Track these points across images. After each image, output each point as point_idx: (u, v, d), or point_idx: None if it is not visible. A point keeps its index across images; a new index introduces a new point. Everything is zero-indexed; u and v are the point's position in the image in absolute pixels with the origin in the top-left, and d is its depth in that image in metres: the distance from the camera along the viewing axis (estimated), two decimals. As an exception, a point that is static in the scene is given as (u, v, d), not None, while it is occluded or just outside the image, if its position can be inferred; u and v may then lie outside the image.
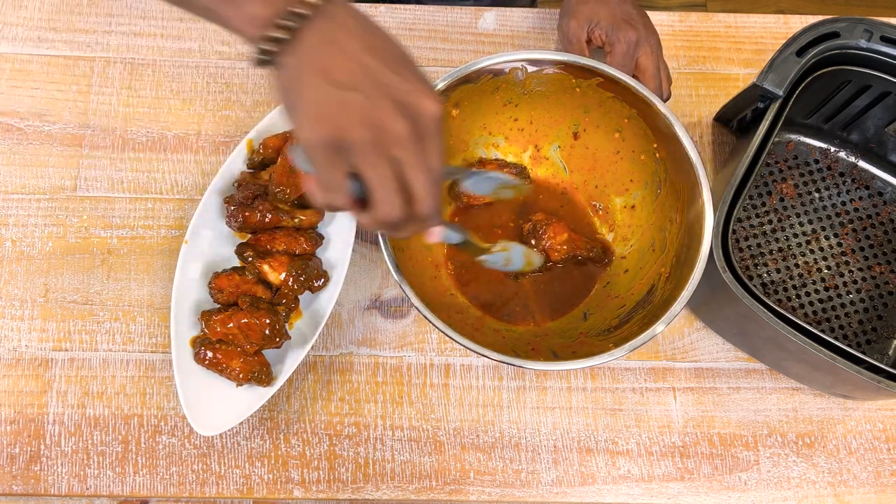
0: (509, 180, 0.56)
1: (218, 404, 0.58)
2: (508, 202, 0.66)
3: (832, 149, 0.71)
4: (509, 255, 0.56)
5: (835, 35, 0.61)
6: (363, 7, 0.76)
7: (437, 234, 0.46)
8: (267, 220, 0.60)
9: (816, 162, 0.71)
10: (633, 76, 0.64)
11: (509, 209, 0.66)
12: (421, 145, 0.40)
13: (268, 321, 0.58)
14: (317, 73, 0.39)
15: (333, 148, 0.39)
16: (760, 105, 0.62)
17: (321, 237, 0.62)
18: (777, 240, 0.68)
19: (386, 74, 0.39)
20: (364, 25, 0.41)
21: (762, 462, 0.62)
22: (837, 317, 0.66)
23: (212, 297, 0.60)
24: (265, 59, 0.40)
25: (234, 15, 0.41)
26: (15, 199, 0.67)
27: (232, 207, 0.60)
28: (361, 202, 0.42)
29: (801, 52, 0.61)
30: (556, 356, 0.58)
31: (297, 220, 0.61)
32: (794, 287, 0.67)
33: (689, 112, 0.73)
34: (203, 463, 0.60)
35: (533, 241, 0.63)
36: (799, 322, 0.55)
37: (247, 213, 0.60)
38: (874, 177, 0.71)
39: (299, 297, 0.61)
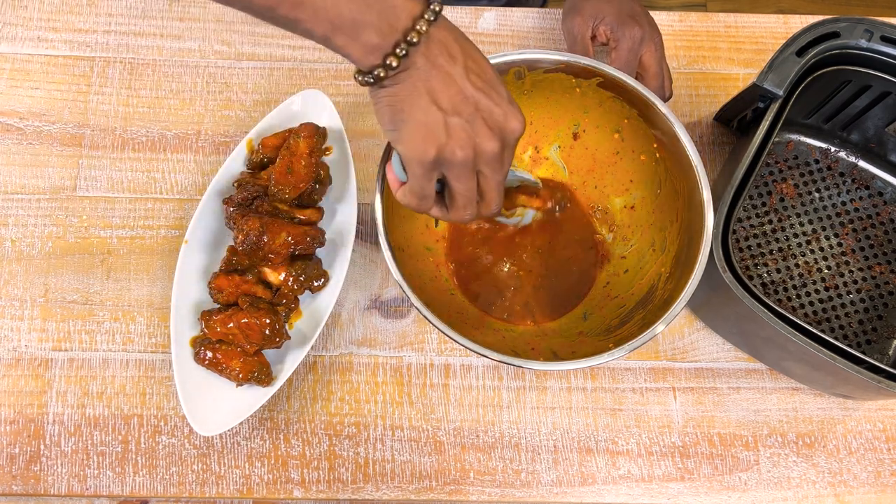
0: (522, 175, 0.61)
1: (218, 404, 0.58)
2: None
3: (832, 149, 0.71)
4: (521, 220, 0.65)
5: (835, 35, 0.61)
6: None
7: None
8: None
9: (816, 162, 0.71)
10: (637, 74, 0.64)
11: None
12: (502, 159, 0.46)
13: (268, 321, 0.58)
14: (424, 97, 0.43)
15: (434, 164, 0.45)
16: (760, 105, 0.62)
17: (322, 232, 0.61)
18: (777, 240, 0.68)
19: (482, 99, 0.44)
20: (463, 49, 0.44)
21: (762, 462, 0.62)
22: (837, 317, 0.66)
23: (212, 297, 0.60)
24: (372, 82, 0.44)
25: (349, 45, 0.43)
26: (15, 199, 0.67)
27: (231, 209, 0.60)
28: (438, 197, 0.49)
29: (801, 52, 0.61)
30: (556, 356, 0.58)
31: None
32: (794, 287, 0.67)
33: (689, 112, 0.73)
34: (203, 463, 0.60)
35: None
36: (799, 322, 0.55)
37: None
38: (874, 177, 0.71)
39: (299, 297, 0.61)
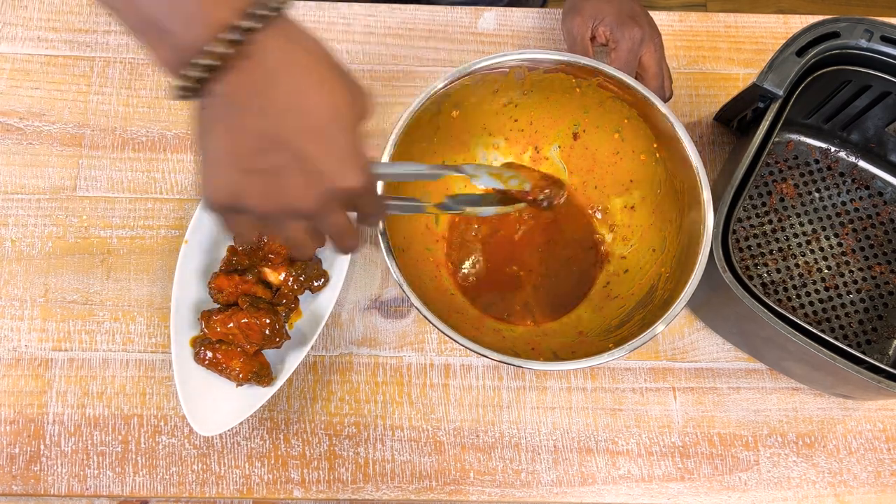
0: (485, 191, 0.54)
1: (218, 404, 0.58)
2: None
3: (832, 149, 0.71)
4: (479, 213, 0.56)
5: (835, 35, 0.61)
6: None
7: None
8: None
9: (816, 162, 0.71)
10: (637, 74, 0.64)
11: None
12: (330, 213, 0.38)
13: (268, 321, 0.58)
14: (225, 136, 0.35)
15: (230, 210, 0.37)
16: (760, 105, 0.62)
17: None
18: (777, 240, 0.68)
19: (303, 146, 0.35)
20: (295, 76, 0.35)
21: (762, 462, 0.62)
22: (837, 317, 0.66)
23: (212, 297, 0.60)
24: (184, 95, 0.35)
25: (155, 50, 0.35)
26: (15, 199, 0.67)
27: None
28: None
29: (801, 52, 0.61)
30: (556, 356, 0.58)
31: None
32: (794, 287, 0.67)
33: (689, 112, 0.73)
34: (203, 463, 0.60)
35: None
36: (799, 322, 0.55)
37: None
38: (874, 177, 0.71)
39: (299, 297, 0.61)
